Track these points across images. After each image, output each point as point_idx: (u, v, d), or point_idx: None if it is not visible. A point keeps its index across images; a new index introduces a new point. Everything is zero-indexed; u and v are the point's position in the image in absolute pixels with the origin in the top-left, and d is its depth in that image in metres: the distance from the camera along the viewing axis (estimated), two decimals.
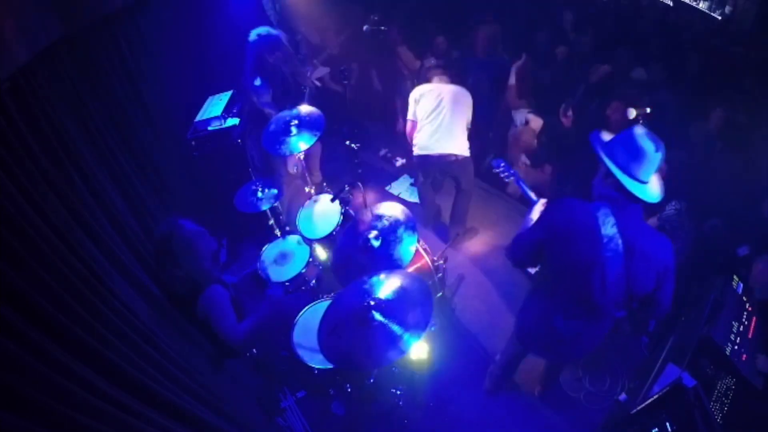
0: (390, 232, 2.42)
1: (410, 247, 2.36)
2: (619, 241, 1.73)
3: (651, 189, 1.75)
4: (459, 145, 3.52)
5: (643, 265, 1.75)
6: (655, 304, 1.84)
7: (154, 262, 2.09)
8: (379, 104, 5.15)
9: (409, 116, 3.63)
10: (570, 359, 2.73)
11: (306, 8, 4.63)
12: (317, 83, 3.99)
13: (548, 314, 2.06)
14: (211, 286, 2.05)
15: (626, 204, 1.74)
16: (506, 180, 2.50)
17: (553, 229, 1.87)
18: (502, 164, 2.48)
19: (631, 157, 1.70)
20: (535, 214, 2.17)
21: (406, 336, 1.79)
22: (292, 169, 3.66)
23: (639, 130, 1.73)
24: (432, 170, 3.82)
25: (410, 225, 2.44)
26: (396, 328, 1.82)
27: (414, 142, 3.63)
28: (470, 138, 3.62)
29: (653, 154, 1.69)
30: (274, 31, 3.34)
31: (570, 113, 3.54)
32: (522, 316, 2.26)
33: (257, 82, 3.34)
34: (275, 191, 2.98)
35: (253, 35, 3.29)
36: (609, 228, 1.73)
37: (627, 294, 1.83)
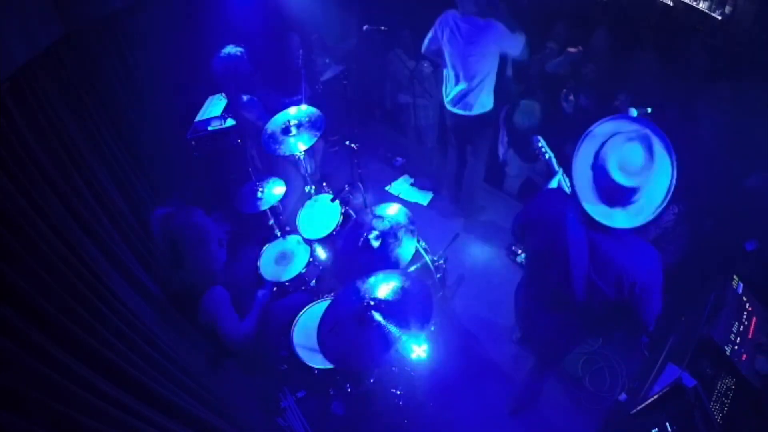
0: (390, 234, 2.43)
1: (410, 248, 2.36)
2: (584, 240, 1.63)
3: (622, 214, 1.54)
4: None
5: (604, 269, 1.62)
6: (633, 315, 1.69)
7: (162, 256, 2.02)
8: (380, 104, 5.14)
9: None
10: (547, 355, 2.47)
11: (322, 10, 4.63)
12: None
13: (528, 303, 2.07)
14: (214, 288, 2.04)
15: None
16: (542, 157, 2.40)
17: (530, 215, 1.90)
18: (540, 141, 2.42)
19: (597, 186, 1.55)
20: (554, 183, 2.13)
21: (405, 336, 1.80)
22: (302, 170, 3.64)
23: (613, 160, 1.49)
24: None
25: (411, 226, 2.45)
26: (395, 329, 1.82)
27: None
28: None
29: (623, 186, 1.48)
30: (239, 49, 3.14)
31: (572, 97, 3.37)
32: (514, 304, 2.24)
33: (245, 98, 3.22)
34: (276, 191, 2.97)
35: (223, 53, 3.11)
36: (576, 225, 1.63)
37: (589, 294, 1.70)
